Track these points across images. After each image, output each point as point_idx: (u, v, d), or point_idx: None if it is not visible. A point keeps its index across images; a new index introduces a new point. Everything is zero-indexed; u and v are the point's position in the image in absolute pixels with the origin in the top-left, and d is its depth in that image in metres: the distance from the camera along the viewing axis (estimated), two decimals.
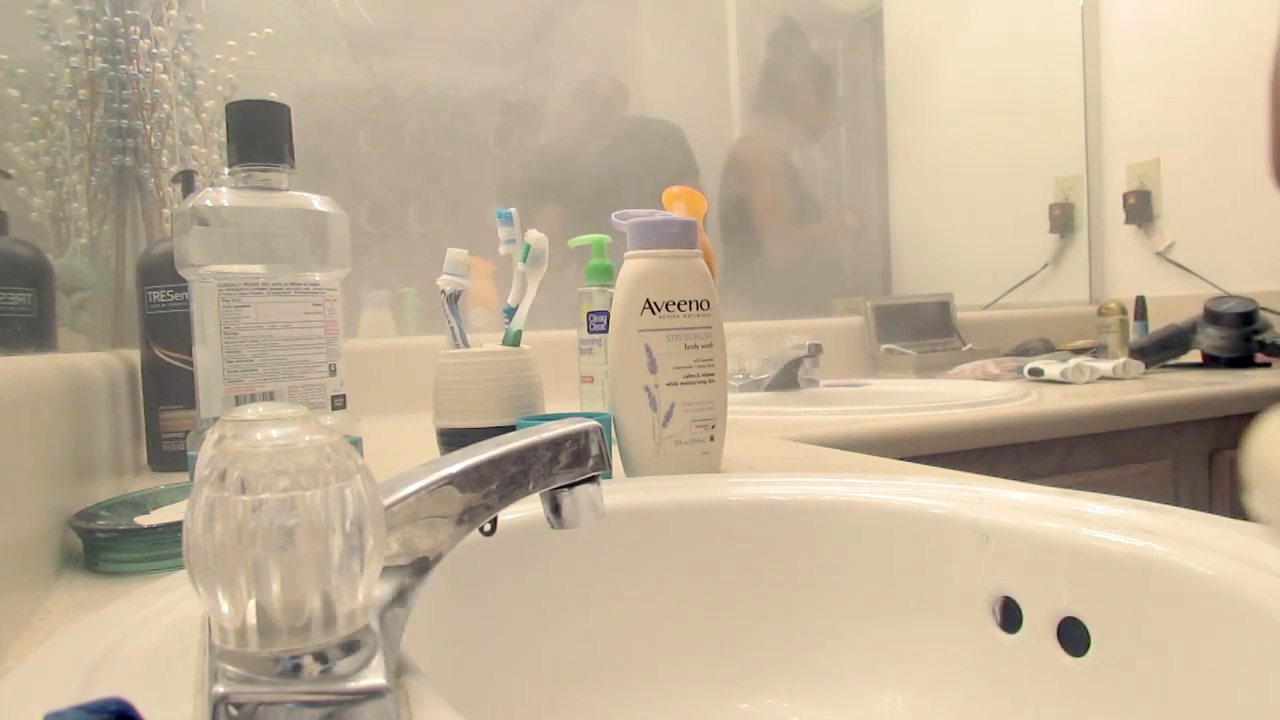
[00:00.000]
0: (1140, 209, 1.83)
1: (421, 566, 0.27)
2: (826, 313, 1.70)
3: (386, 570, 0.26)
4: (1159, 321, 1.54)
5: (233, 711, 0.19)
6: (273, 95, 0.70)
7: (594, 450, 0.32)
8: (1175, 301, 1.70)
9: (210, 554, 0.19)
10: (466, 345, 0.73)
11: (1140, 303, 1.67)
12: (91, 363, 0.63)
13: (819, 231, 1.79)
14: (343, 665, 0.20)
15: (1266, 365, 1.39)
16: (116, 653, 0.28)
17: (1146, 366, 1.36)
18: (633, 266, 0.60)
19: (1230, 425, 1.13)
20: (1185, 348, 1.44)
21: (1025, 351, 1.54)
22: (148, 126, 1.02)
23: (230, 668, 0.20)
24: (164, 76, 1.02)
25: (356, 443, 0.59)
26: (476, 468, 0.29)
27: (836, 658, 0.45)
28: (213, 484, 0.20)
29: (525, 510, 0.44)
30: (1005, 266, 1.91)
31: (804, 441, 0.81)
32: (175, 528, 0.44)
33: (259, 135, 0.56)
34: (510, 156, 1.47)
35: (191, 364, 0.56)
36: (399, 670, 0.24)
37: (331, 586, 0.20)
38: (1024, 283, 1.91)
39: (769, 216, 1.69)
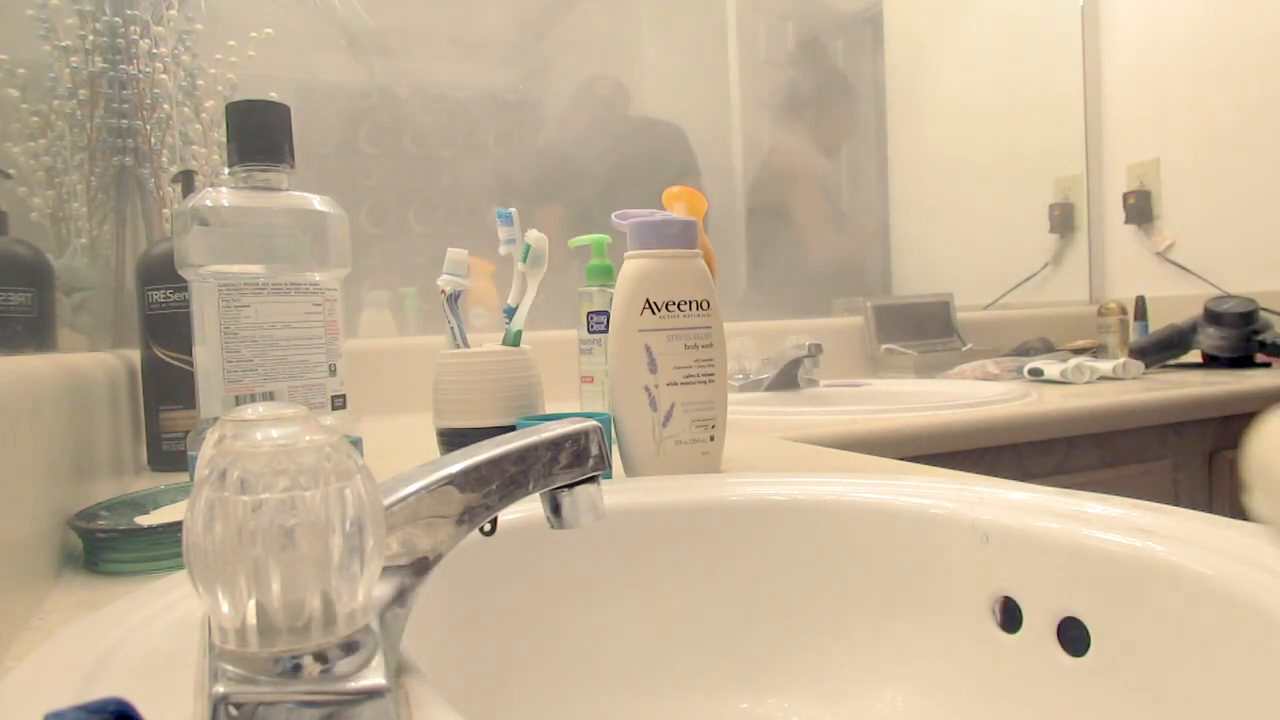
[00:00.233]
0: (1140, 209, 1.83)
1: (421, 566, 0.27)
2: (826, 313, 1.70)
3: (386, 570, 0.26)
4: (1159, 321, 1.54)
5: (233, 711, 0.19)
6: (273, 95, 0.70)
7: (594, 450, 0.32)
8: (1175, 301, 1.70)
9: (210, 554, 0.19)
10: (466, 345, 0.73)
11: (1140, 303, 1.67)
12: (91, 363, 0.63)
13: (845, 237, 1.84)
14: (343, 665, 0.20)
15: (1267, 365, 1.38)
16: (116, 653, 0.28)
17: (1146, 366, 1.36)
18: (633, 266, 0.60)
19: (1230, 425, 1.13)
20: (1185, 348, 1.44)
21: (1025, 351, 1.54)
22: (148, 126, 1.02)
23: (230, 668, 0.20)
24: (164, 76, 1.02)
25: (356, 443, 0.59)
26: (476, 468, 0.29)
27: (836, 657, 0.45)
28: (213, 484, 0.20)
29: (525, 510, 0.44)
30: (1005, 266, 1.91)
31: (804, 441, 0.81)
32: (175, 528, 0.44)
33: (259, 135, 0.56)
34: (510, 156, 1.47)
35: (191, 364, 0.56)
36: (399, 670, 0.24)
37: (331, 586, 0.20)
38: (1024, 283, 1.91)
39: (807, 222, 1.75)
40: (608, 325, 0.63)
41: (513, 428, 0.64)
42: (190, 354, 0.57)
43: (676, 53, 1.68)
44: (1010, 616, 0.40)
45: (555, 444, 0.31)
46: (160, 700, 0.24)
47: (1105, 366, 1.28)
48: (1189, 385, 1.15)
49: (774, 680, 0.45)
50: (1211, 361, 1.42)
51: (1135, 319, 1.64)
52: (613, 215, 0.68)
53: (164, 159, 1.02)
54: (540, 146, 1.52)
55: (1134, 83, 1.86)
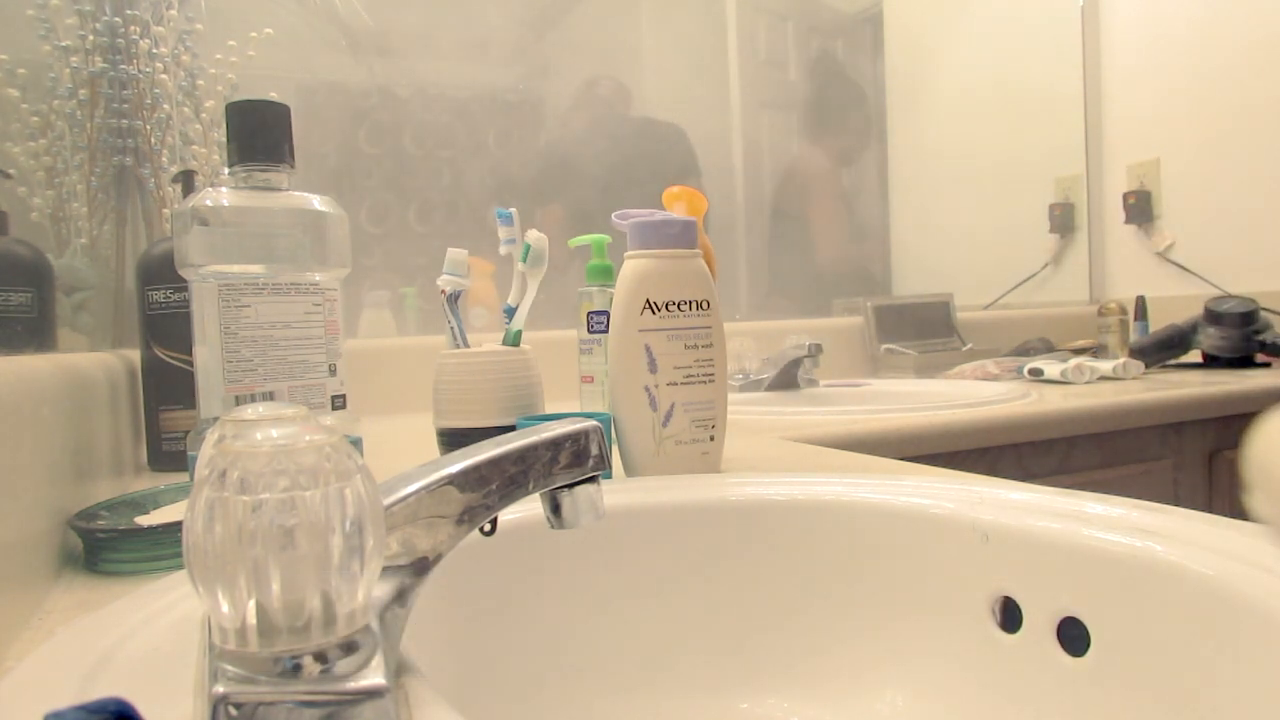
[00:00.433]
0: (1140, 209, 1.83)
1: (421, 566, 0.27)
2: (826, 313, 1.70)
3: (386, 570, 0.26)
4: (1159, 321, 1.54)
5: (232, 711, 0.19)
6: (273, 95, 0.70)
7: (594, 450, 0.32)
8: (1175, 301, 1.70)
9: (210, 554, 0.19)
10: (466, 345, 0.73)
11: (1140, 303, 1.67)
12: (91, 363, 0.63)
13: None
14: (343, 665, 0.20)
15: (1267, 365, 1.38)
16: (116, 653, 0.28)
17: (1147, 366, 1.36)
18: (633, 266, 0.60)
19: (1230, 425, 1.13)
20: (1185, 348, 1.44)
21: (1025, 351, 1.54)
22: (148, 126, 1.02)
23: (230, 668, 0.20)
24: (164, 76, 1.02)
25: (356, 443, 0.59)
26: (476, 468, 0.29)
27: (836, 657, 0.45)
28: (213, 484, 0.20)
29: (525, 510, 0.44)
30: (1005, 266, 1.91)
31: (804, 441, 0.81)
32: (175, 528, 0.44)
33: (259, 135, 0.56)
34: (510, 156, 1.47)
35: (191, 364, 0.56)
36: (399, 670, 0.24)
37: (331, 586, 0.20)
38: (1024, 283, 1.91)
39: (823, 227, 1.81)
40: (608, 325, 0.63)
41: (513, 428, 0.64)
42: (190, 354, 0.57)
43: (676, 53, 1.69)
44: (1010, 616, 0.40)
45: (555, 444, 0.31)
46: (160, 700, 0.24)
47: (1105, 366, 1.28)
48: (1189, 385, 1.15)
49: (774, 680, 0.45)
50: (1212, 361, 1.42)
51: (1135, 319, 1.64)
52: (613, 215, 0.68)
53: (164, 159, 1.02)
54: (540, 146, 1.52)
55: (1134, 83, 1.86)
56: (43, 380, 0.43)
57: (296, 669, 0.20)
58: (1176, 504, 0.42)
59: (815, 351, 1.23)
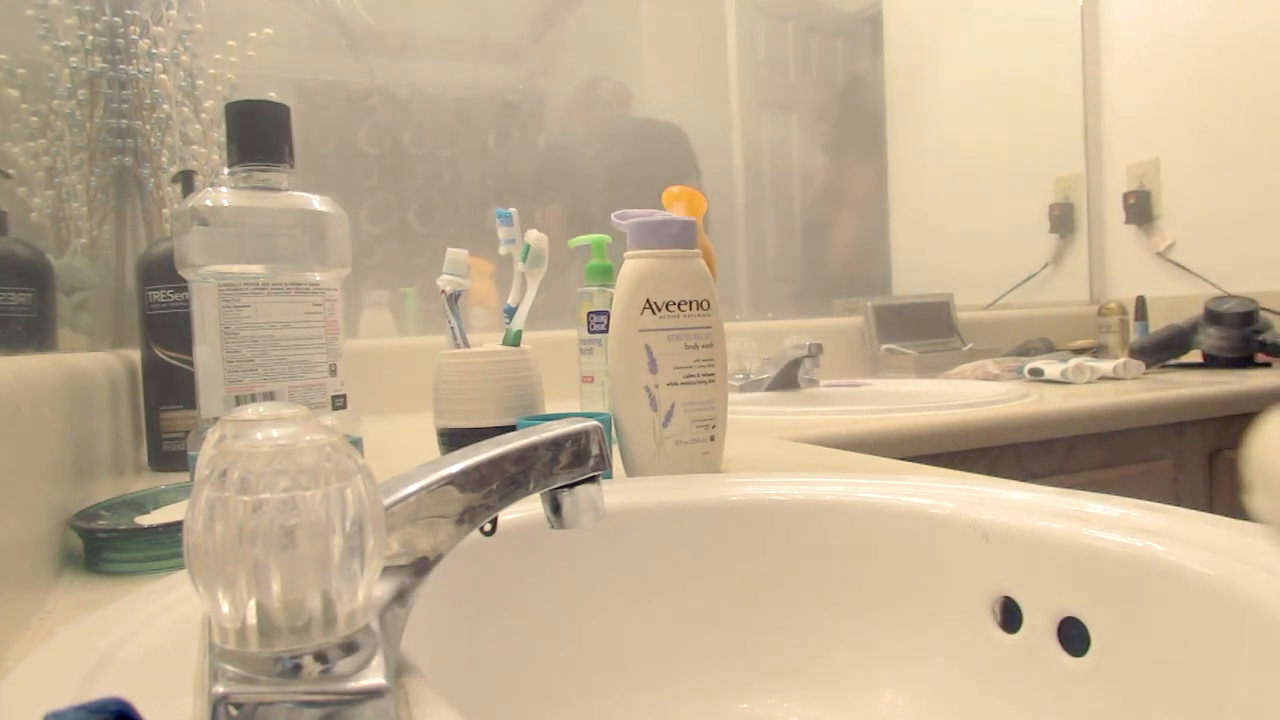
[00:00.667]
0: (1140, 209, 1.83)
1: (421, 566, 0.27)
2: (826, 313, 1.70)
3: (386, 570, 0.26)
4: (1159, 321, 1.54)
5: (233, 711, 0.19)
6: (273, 95, 0.70)
7: (594, 450, 0.32)
8: (1175, 301, 1.70)
9: (210, 554, 0.19)
10: (466, 345, 0.73)
11: (1140, 303, 1.67)
12: (92, 363, 0.63)
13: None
14: (343, 665, 0.20)
15: (1267, 365, 1.38)
16: (116, 653, 0.28)
17: (1147, 366, 1.36)
18: (633, 266, 0.60)
19: (1230, 425, 1.13)
20: (1185, 348, 1.44)
21: (1025, 351, 1.54)
22: (148, 126, 1.02)
23: (230, 668, 0.20)
24: (164, 76, 1.02)
25: (356, 443, 0.59)
26: (476, 468, 0.29)
27: (837, 657, 0.45)
28: (213, 484, 0.20)
29: (525, 510, 0.44)
30: (1005, 266, 1.91)
31: (804, 441, 0.81)
32: (175, 528, 0.44)
33: (259, 135, 0.56)
34: (510, 156, 1.47)
35: (192, 364, 0.56)
36: (399, 670, 0.24)
37: (331, 586, 0.20)
38: (1024, 283, 1.91)
39: (841, 236, 1.85)
40: (608, 325, 0.63)
41: (513, 428, 0.64)
42: (190, 354, 0.57)
43: (676, 53, 1.68)
44: (1010, 616, 0.40)
45: (555, 444, 0.31)
46: (160, 700, 0.24)
47: (1105, 366, 1.28)
48: (1189, 385, 1.15)
49: (774, 680, 0.45)
50: (1212, 361, 1.42)
51: (1135, 319, 1.64)
52: (613, 215, 0.68)
53: (164, 159, 1.02)
54: (540, 147, 1.52)
55: (1134, 83, 1.86)
56: (43, 380, 0.43)
57: (297, 669, 0.20)
58: (1176, 504, 0.42)
59: (815, 351, 1.23)
